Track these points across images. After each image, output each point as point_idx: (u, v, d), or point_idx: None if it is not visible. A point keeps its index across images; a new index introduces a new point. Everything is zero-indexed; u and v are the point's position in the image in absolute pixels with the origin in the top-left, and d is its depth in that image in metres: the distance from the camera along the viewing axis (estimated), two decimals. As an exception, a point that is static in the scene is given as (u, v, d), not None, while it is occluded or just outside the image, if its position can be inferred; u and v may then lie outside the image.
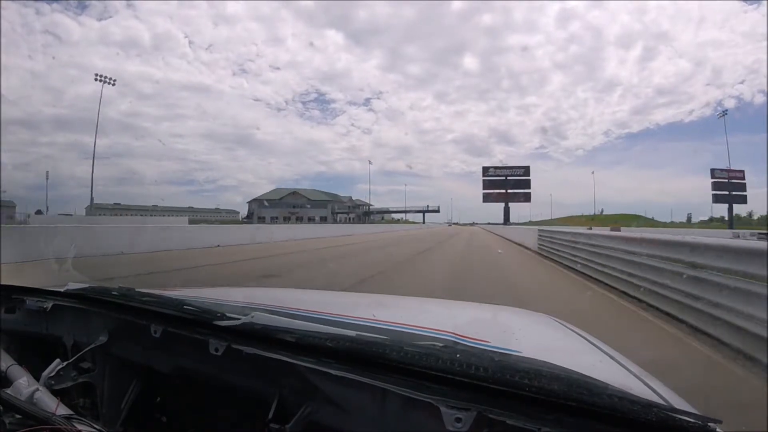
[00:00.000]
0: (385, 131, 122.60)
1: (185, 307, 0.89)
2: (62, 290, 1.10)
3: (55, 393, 0.83)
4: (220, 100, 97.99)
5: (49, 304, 1.09)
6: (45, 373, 0.89)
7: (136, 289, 1.08)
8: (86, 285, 1.10)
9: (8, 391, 0.77)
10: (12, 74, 63.39)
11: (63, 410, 0.74)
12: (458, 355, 0.62)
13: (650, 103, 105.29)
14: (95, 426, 0.70)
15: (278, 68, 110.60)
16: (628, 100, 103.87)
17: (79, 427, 0.67)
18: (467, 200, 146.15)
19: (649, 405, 0.52)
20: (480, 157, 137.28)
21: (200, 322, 0.84)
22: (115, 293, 1.03)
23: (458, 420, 0.57)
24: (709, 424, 0.49)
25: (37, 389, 0.79)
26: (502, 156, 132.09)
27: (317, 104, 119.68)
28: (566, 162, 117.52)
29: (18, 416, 0.68)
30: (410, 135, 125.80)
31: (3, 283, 1.17)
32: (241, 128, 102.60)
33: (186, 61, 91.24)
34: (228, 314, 0.81)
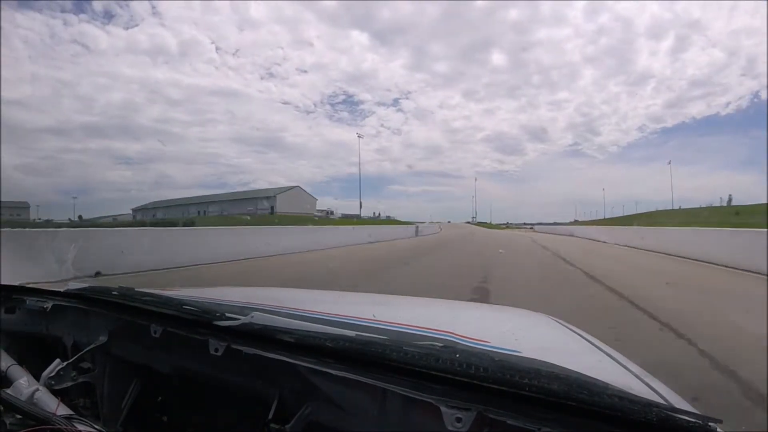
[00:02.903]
0: (415, 131, 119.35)
1: (185, 307, 0.89)
2: (62, 290, 1.10)
3: (56, 393, 0.83)
4: (248, 104, 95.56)
5: (49, 304, 1.09)
6: (45, 373, 0.89)
7: (136, 289, 1.08)
8: (86, 285, 1.10)
9: (8, 391, 0.77)
10: (43, 84, 64.89)
11: (63, 410, 0.74)
12: (458, 355, 0.62)
13: (684, 96, 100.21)
14: (95, 426, 0.70)
15: (305, 71, 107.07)
16: (661, 94, 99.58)
17: (80, 427, 0.67)
18: (500, 200, 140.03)
19: (649, 405, 0.52)
20: (512, 155, 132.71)
21: (200, 322, 0.84)
22: (115, 293, 1.03)
23: (458, 420, 0.57)
24: (709, 423, 0.49)
25: (38, 389, 0.79)
26: (534, 153, 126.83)
27: (346, 106, 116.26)
28: (600, 159, 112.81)
29: (18, 416, 0.69)
30: (440, 134, 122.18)
31: (3, 282, 1.17)
32: (271, 131, 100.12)
33: (213, 66, 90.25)
34: (228, 314, 0.81)
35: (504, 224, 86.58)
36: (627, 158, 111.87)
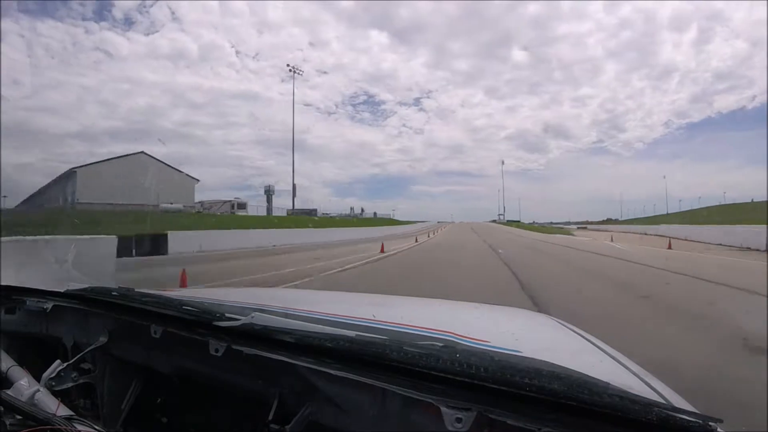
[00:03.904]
0: (437, 131, 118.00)
1: (185, 307, 0.89)
2: (62, 291, 1.10)
3: (56, 394, 0.83)
4: (270, 106, 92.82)
5: (49, 305, 1.09)
6: (45, 374, 0.89)
7: (136, 290, 1.08)
8: (86, 285, 1.10)
9: (9, 392, 0.77)
10: (67, 90, 64.48)
11: (63, 411, 0.74)
12: (458, 355, 0.62)
13: (709, 89, 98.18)
14: (95, 427, 0.70)
15: (325, 72, 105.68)
16: (686, 87, 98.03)
17: (80, 427, 0.67)
18: (524, 199, 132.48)
19: (649, 404, 0.52)
20: (535, 153, 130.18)
21: (200, 322, 0.84)
22: (115, 294, 1.03)
23: (458, 420, 0.57)
24: (709, 423, 0.49)
25: (38, 390, 0.79)
26: (558, 151, 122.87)
27: (367, 106, 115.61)
28: (626, 156, 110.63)
29: (19, 417, 0.69)
30: (462, 133, 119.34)
31: (3, 283, 1.17)
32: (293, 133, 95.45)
33: (234, 70, 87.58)
34: (228, 315, 0.81)
35: (532, 224, 70.23)
36: (653, 155, 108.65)
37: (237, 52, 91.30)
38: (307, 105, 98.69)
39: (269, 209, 37.85)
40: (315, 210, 48.25)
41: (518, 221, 74.25)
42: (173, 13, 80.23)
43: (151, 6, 79.87)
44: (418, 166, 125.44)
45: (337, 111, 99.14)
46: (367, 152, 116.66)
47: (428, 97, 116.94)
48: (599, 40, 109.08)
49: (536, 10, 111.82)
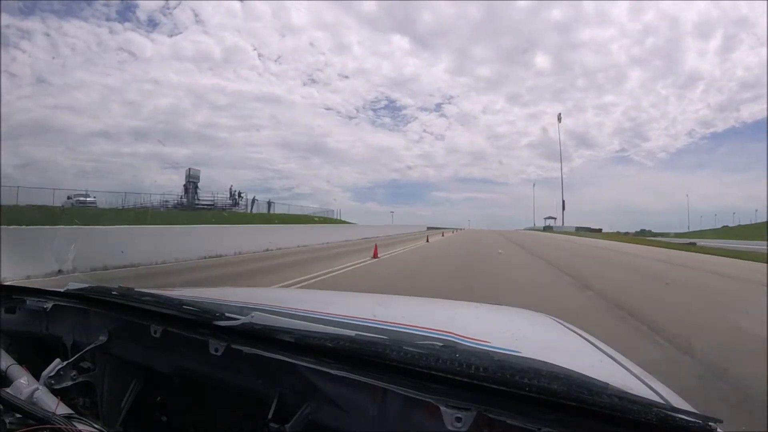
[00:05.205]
0: (458, 137, 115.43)
1: (185, 307, 0.89)
2: (62, 290, 1.10)
3: (55, 392, 0.83)
4: (292, 109, 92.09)
5: (49, 304, 1.09)
6: (45, 373, 0.89)
7: (136, 289, 1.08)
8: (86, 285, 1.10)
9: (8, 390, 0.77)
10: (92, 90, 65.37)
11: (63, 410, 0.74)
12: (458, 355, 0.62)
13: (735, 98, 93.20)
14: (95, 426, 0.70)
15: (347, 76, 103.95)
16: (711, 96, 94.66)
17: (79, 426, 0.67)
18: (547, 208, 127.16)
19: (649, 405, 0.52)
20: (558, 161, 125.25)
21: (200, 322, 0.84)
22: (114, 293, 1.03)
23: (458, 420, 0.57)
24: (709, 423, 0.49)
25: (37, 389, 0.79)
26: (581, 160, 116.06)
27: (388, 111, 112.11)
28: (649, 166, 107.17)
29: (18, 416, 0.68)
30: (484, 140, 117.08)
31: (3, 283, 1.17)
32: (314, 137, 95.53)
33: (257, 72, 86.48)
34: (228, 314, 0.81)
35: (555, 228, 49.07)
36: (676, 165, 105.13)
37: (259, 56, 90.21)
38: (328, 109, 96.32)
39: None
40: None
41: (599, 229, 48.60)
42: (196, 15, 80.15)
43: (175, 8, 79.45)
44: (438, 172, 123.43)
45: (357, 116, 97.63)
46: (387, 157, 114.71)
47: (450, 103, 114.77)
48: (623, 46, 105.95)
49: (560, 16, 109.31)
